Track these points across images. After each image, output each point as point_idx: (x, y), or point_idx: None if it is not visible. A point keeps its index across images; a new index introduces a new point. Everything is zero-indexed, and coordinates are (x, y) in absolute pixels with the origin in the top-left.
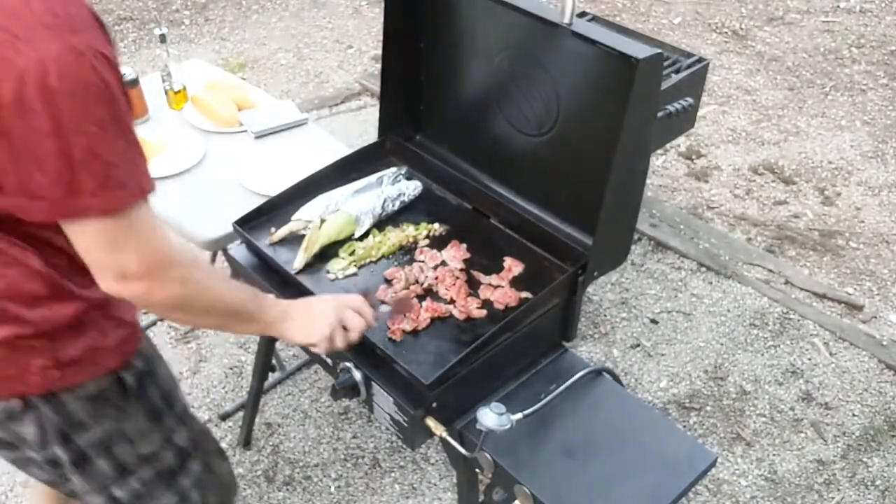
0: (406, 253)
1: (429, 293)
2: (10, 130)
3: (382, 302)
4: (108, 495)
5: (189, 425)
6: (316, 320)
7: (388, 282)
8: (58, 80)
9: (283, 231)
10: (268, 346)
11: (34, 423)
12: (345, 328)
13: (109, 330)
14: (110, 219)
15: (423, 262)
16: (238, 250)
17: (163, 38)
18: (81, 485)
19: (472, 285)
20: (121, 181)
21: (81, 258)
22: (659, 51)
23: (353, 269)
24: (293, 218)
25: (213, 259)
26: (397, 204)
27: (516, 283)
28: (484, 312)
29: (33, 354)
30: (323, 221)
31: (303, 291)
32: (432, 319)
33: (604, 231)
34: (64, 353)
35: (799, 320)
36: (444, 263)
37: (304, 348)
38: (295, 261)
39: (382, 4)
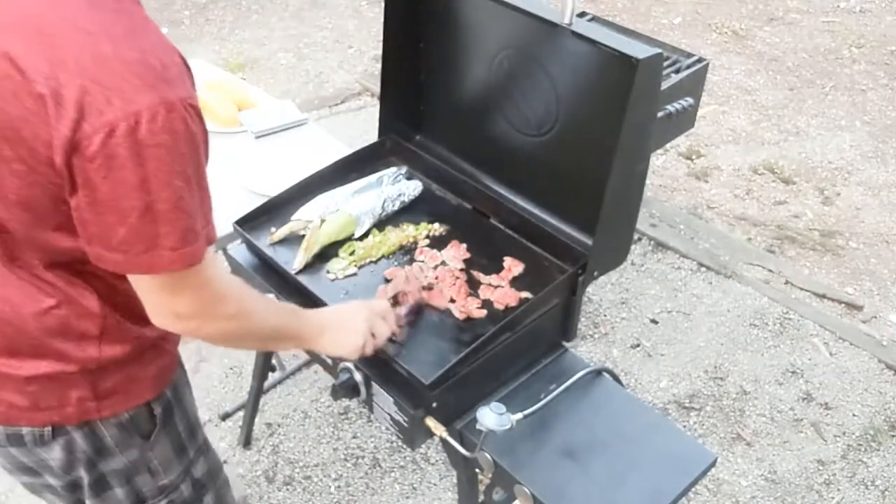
0: (406, 253)
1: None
2: (96, 182)
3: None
4: None
5: (207, 456)
6: (349, 333)
7: (388, 282)
8: (148, 133)
9: (283, 231)
10: None
11: (63, 448)
12: (372, 335)
13: (150, 361)
14: (176, 272)
15: (423, 262)
16: (238, 250)
17: None
18: None
19: (472, 285)
20: (197, 234)
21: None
22: (659, 51)
23: (353, 269)
24: (293, 218)
25: None
26: (397, 204)
27: (516, 283)
28: (484, 312)
29: (72, 387)
30: (323, 221)
31: (303, 291)
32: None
33: (604, 231)
34: (103, 385)
35: (799, 320)
36: (444, 263)
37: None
38: (295, 261)
39: (382, 4)
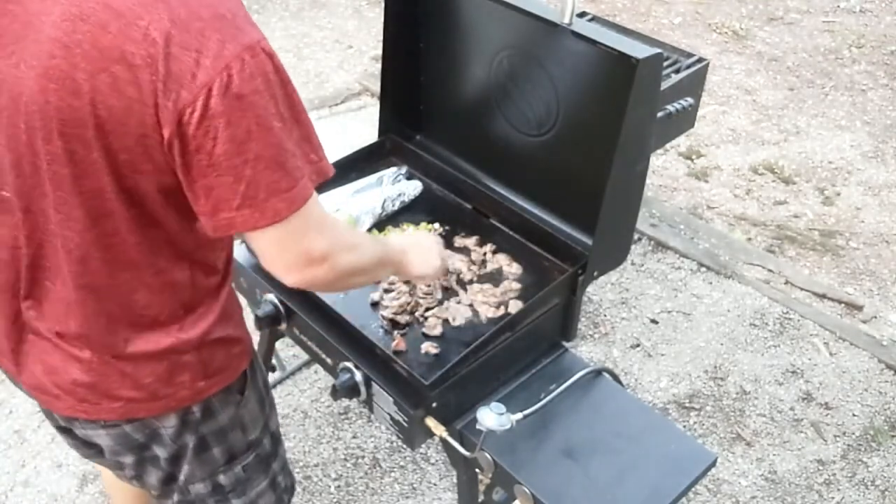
0: None
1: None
2: (207, 147)
3: None
4: (213, 482)
5: (275, 410)
6: (429, 252)
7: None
8: (241, 82)
9: None
10: (268, 346)
11: (178, 415)
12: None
13: (237, 336)
14: (296, 212)
15: None
16: (238, 250)
17: None
18: (190, 474)
19: None
20: (301, 169)
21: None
22: (659, 51)
23: None
24: None
25: None
26: (397, 204)
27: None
28: None
29: (183, 371)
30: None
31: (304, 292)
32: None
33: (604, 231)
34: (211, 364)
35: (799, 320)
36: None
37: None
38: None
39: (382, 4)
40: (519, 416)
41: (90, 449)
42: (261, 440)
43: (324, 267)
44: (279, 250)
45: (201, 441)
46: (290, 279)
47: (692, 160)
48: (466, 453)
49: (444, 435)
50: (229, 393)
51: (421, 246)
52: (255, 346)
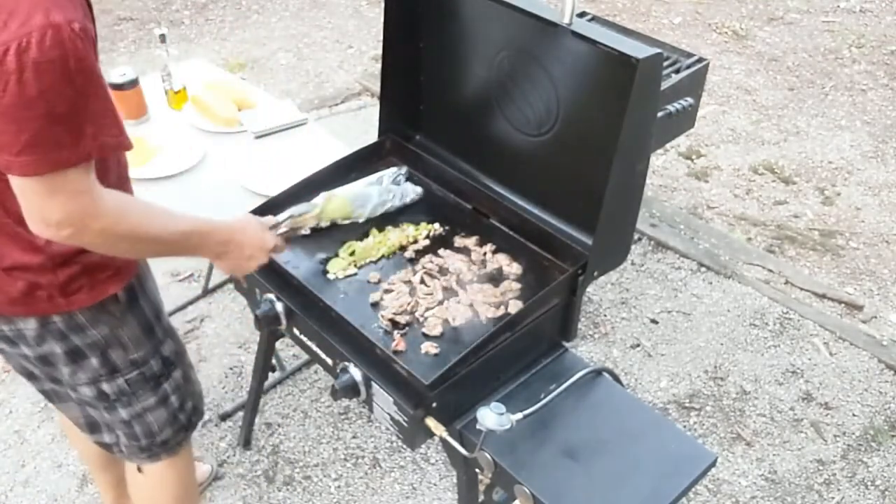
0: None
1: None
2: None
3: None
4: (97, 389)
5: (174, 339)
6: (247, 261)
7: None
8: (38, 52)
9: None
10: (268, 346)
11: (37, 320)
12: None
13: (104, 262)
14: (49, 175)
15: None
16: None
17: (163, 38)
18: (72, 376)
19: None
20: (79, 141)
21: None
22: (659, 51)
23: (353, 269)
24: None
25: None
26: (397, 201)
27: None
28: None
29: (40, 287)
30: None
31: (303, 291)
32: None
33: (604, 231)
34: (70, 286)
35: (799, 320)
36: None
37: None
38: (279, 215)
39: (382, 4)
40: (519, 416)
41: None
42: (146, 360)
43: (62, 232)
44: (26, 203)
45: (75, 350)
46: (31, 227)
47: (692, 160)
48: (466, 453)
49: (444, 435)
50: (99, 312)
51: (242, 251)
52: (257, 346)
